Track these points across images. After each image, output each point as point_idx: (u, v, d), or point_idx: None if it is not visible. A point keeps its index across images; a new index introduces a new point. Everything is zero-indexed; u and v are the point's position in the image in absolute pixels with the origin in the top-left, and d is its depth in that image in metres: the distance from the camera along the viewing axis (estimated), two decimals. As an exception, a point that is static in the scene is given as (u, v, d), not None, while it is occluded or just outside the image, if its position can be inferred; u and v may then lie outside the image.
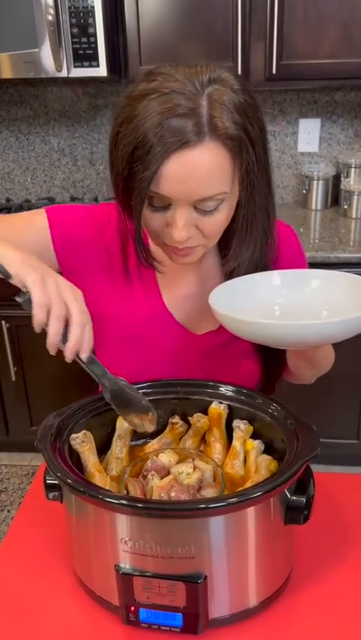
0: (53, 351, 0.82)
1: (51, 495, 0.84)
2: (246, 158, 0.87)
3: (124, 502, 0.72)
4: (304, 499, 0.78)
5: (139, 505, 0.72)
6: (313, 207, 2.76)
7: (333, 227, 2.51)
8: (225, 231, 0.96)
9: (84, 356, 0.84)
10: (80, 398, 0.94)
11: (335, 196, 2.76)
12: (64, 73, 2.27)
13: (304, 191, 2.76)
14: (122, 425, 0.93)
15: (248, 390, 0.94)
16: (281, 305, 0.97)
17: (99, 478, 0.85)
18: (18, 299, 0.81)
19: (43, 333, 0.81)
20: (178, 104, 0.82)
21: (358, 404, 2.45)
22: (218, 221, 0.91)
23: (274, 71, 2.29)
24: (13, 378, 2.53)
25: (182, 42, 2.28)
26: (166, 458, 0.88)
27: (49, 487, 0.83)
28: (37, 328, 0.81)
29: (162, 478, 0.85)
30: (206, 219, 0.90)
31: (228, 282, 0.98)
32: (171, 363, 1.09)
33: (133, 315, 1.08)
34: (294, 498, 0.78)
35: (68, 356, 0.82)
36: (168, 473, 0.87)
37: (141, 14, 2.26)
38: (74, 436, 0.86)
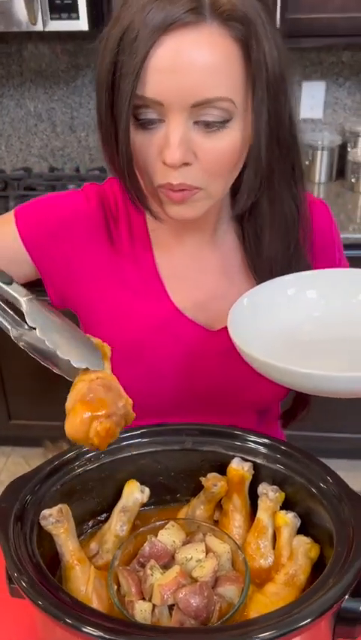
0: None
1: (13, 589, 0.62)
2: (258, 56, 0.71)
3: (105, 636, 0.50)
4: None
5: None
6: (317, 180, 2.53)
7: (340, 204, 2.29)
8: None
9: None
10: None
11: (341, 168, 2.54)
12: (39, 27, 2.01)
13: (306, 163, 2.53)
14: (131, 494, 0.72)
15: (281, 443, 0.71)
16: (317, 323, 0.76)
17: (80, 572, 0.63)
18: None
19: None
20: None
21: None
22: (222, 147, 0.72)
23: (277, 26, 2.01)
24: (-12, 369, 2.33)
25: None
26: (169, 538, 0.66)
27: (10, 579, 0.62)
28: None
29: (164, 568, 0.64)
30: (208, 143, 0.71)
31: (251, 293, 0.76)
32: (183, 369, 0.89)
33: (129, 315, 0.87)
34: (348, 605, 0.57)
35: None
36: (173, 559, 0.65)
37: None
38: (45, 513, 0.64)
